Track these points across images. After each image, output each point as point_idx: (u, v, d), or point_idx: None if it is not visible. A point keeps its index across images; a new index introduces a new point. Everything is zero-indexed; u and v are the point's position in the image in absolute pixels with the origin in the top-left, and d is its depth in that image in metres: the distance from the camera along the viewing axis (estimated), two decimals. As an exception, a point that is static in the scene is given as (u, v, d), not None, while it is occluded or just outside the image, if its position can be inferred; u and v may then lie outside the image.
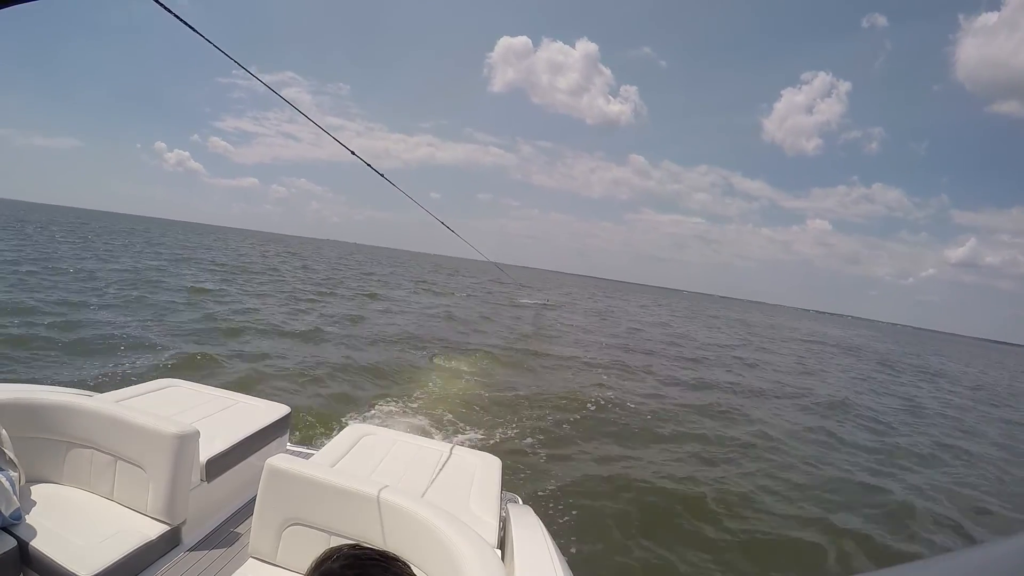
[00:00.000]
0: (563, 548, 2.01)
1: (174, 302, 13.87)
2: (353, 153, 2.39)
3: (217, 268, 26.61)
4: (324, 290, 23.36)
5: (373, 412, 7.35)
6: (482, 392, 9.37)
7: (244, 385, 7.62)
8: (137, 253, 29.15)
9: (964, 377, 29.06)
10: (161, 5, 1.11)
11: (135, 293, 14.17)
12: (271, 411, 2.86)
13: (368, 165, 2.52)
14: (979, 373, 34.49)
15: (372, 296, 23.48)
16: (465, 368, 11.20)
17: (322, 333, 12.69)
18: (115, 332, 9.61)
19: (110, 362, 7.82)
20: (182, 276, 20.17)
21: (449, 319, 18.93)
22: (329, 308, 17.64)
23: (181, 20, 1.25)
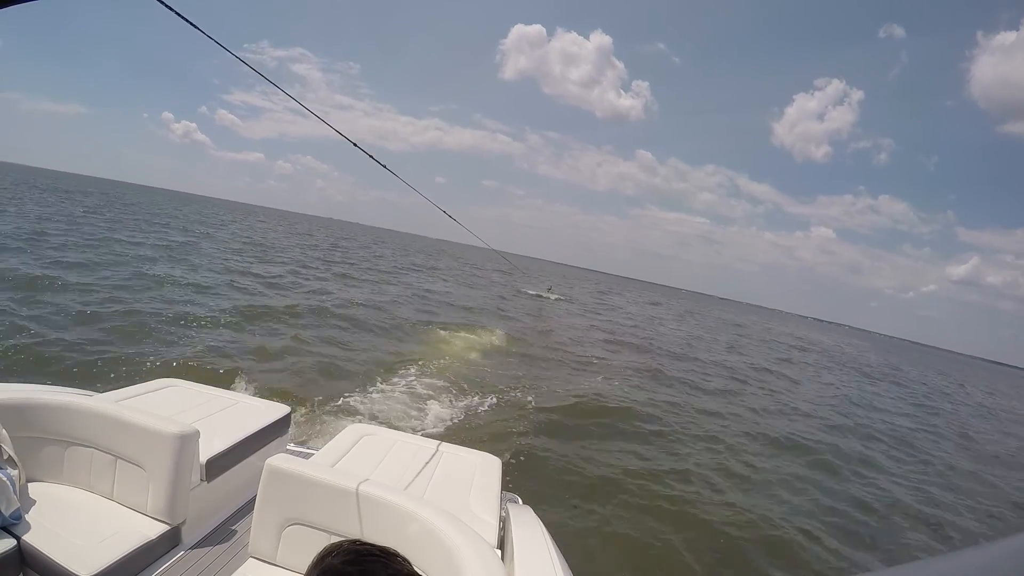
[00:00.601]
0: (563, 548, 2.01)
1: (217, 285, 14.00)
2: (360, 147, 2.36)
3: (247, 248, 27.04)
4: (341, 271, 23.86)
5: (390, 387, 7.76)
6: (487, 371, 9.66)
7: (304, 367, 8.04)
8: (163, 227, 29.57)
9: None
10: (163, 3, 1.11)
11: (177, 272, 14.34)
12: (271, 411, 2.86)
13: (374, 158, 2.51)
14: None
15: (388, 283, 23.87)
16: (475, 350, 11.52)
17: (351, 314, 13.25)
18: (182, 312, 9.87)
19: (183, 345, 8.07)
20: (213, 256, 20.41)
21: (462, 308, 19.21)
22: (353, 291, 18.19)
23: (179, 15, 1.25)
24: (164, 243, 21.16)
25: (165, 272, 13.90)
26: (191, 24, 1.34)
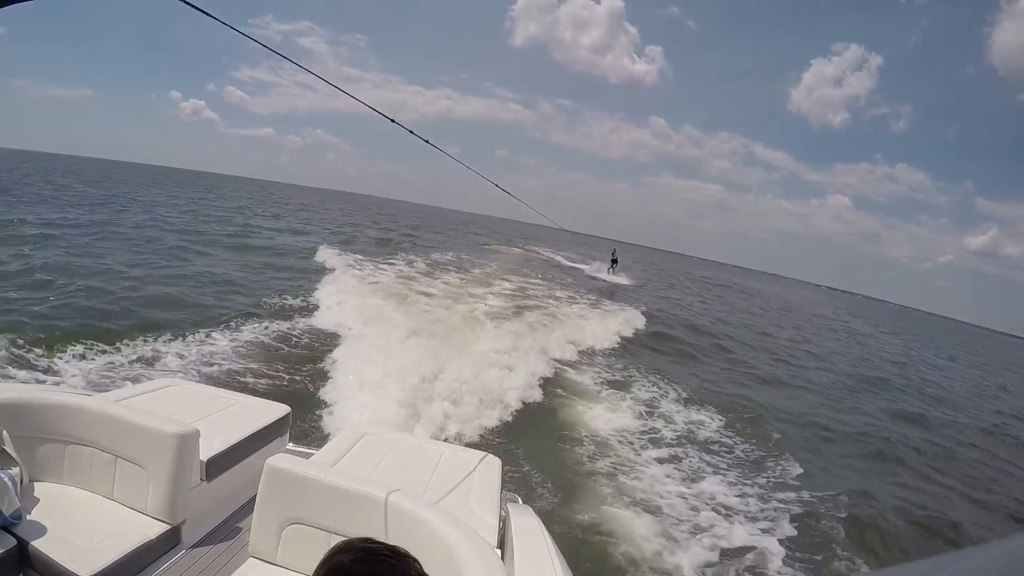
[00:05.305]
0: (563, 547, 2.01)
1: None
2: (403, 126, 2.31)
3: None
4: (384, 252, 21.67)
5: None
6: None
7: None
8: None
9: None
10: None
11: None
12: (271, 411, 2.86)
13: (429, 142, 2.47)
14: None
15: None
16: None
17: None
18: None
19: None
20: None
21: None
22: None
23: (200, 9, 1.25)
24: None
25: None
26: (212, 17, 1.34)
